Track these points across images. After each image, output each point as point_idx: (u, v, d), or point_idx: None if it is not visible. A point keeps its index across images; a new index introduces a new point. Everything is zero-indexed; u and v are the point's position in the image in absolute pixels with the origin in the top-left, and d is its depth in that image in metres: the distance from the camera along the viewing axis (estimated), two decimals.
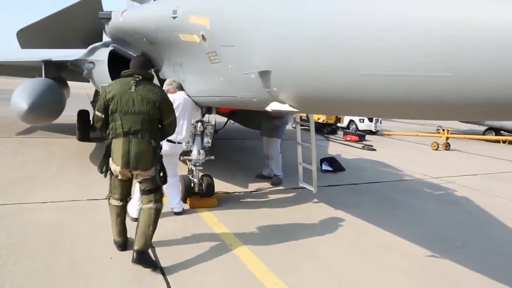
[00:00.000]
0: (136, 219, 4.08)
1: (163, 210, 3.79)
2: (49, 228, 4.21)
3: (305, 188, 6.09)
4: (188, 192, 5.36)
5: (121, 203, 3.74)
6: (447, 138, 12.54)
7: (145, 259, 3.46)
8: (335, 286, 3.51)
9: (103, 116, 3.49)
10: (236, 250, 4.08)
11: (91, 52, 6.59)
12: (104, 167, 3.60)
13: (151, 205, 3.61)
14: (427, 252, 4.39)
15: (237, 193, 6.06)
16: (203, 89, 4.19)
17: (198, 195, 5.39)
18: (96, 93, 9.68)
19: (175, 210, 4.88)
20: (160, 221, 3.76)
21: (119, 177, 3.57)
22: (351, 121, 15.67)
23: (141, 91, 3.38)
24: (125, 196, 3.75)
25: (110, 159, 3.50)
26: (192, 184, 5.46)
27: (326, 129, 14.20)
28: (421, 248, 4.47)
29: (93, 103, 9.96)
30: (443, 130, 12.65)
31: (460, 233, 5.10)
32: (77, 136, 9.34)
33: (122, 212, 3.79)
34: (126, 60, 5.75)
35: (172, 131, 3.69)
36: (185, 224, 4.60)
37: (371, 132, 14.85)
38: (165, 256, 3.77)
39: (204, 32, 3.41)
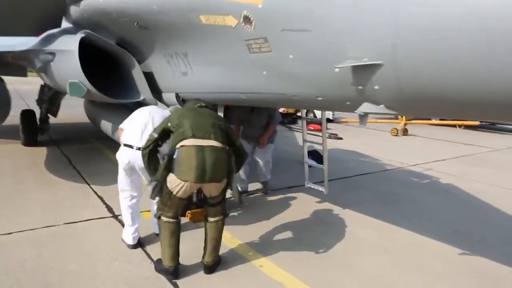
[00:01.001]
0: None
1: None
2: (29, 271, 3.35)
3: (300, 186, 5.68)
4: (188, 204, 4.64)
5: (175, 220, 3.35)
6: (405, 124, 12.83)
7: (215, 269, 3.50)
8: None
9: (157, 136, 3.32)
10: (263, 267, 3.67)
11: (48, 40, 5.44)
12: (161, 187, 3.21)
13: (220, 216, 3.49)
14: (452, 248, 4.30)
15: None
16: (226, 85, 3.49)
17: (195, 206, 4.70)
18: (42, 89, 8.33)
19: (128, 242, 3.95)
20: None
21: (181, 194, 3.20)
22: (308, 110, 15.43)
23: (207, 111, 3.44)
24: (180, 213, 3.41)
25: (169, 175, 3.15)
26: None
27: (287, 119, 13.86)
28: (444, 244, 4.39)
29: (40, 101, 8.57)
30: (401, 116, 12.95)
31: (471, 225, 5.03)
32: (22, 141, 8.01)
33: (177, 230, 3.39)
34: (98, 50, 4.80)
35: (244, 157, 3.64)
36: (194, 243, 3.93)
37: (329, 120, 14.77)
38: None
39: (251, 12, 2.66)
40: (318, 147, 6.37)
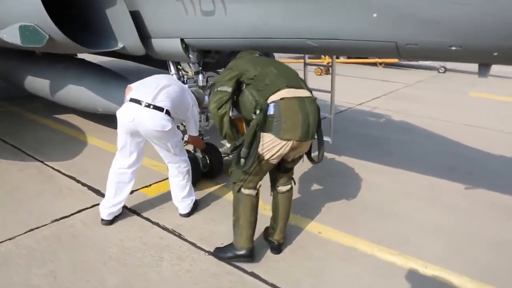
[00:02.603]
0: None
1: None
2: None
3: None
4: (197, 175, 3.95)
5: (257, 191, 2.86)
6: (328, 63, 13.00)
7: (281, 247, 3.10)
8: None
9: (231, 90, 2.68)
10: (322, 233, 3.40)
11: None
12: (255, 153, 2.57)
13: (290, 185, 3.05)
14: (459, 184, 4.49)
15: None
16: (290, 28, 2.83)
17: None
18: None
19: (102, 217, 3.36)
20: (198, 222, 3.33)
21: (276, 158, 2.65)
22: None
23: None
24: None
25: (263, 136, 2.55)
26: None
27: None
28: (452, 182, 4.55)
29: None
30: (324, 56, 13.04)
31: (452, 159, 5.32)
32: None
33: (257, 205, 2.88)
34: None
35: None
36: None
37: None
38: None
39: None
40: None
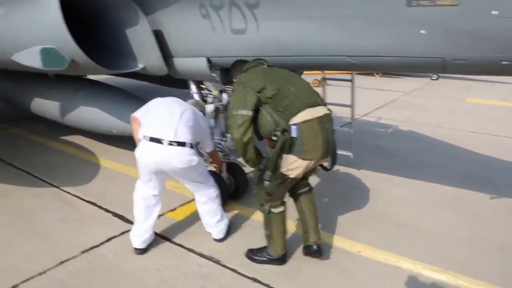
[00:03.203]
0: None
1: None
2: None
3: None
4: (224, 196, 3.85)
5: (285, 207, 3.00)
6: (325, 73, 13.03)
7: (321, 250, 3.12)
8: None
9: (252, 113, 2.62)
10: (362, 252, 3.30)
11: None
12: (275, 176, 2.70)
13: (308, 186, 3.20)
14: (477, 193, 4.44)
15: None
16: (326, 46, 2.78)
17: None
18: None
19: (135, 245, 3.22)
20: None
21: (298, 176, 2.75)
22: None
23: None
24: None
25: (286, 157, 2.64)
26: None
27: None
28: (469, 191, 4.51)
29: None
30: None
31: (468, 167, 5.30)
32: None
33: (286, 215, 3.04)
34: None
35: None
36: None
37: None
38: None
39: None
40: None
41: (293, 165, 2.66)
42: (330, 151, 2.75)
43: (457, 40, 2.31)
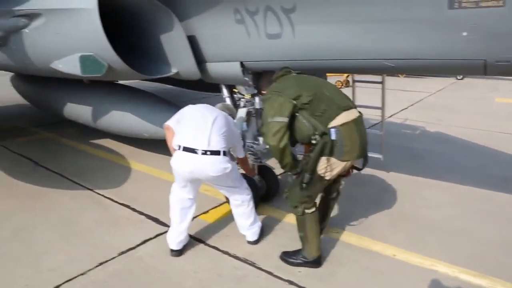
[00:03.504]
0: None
1: None
2: None
3: None
4: (257, 199, 3.88)
5: (316, 208, 3.06)
6: (347, 75, 12.95)
7: None
8: None
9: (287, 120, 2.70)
10: (397, 256, 3.26)
11: None
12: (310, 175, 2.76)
13: (337, 193, 3.36)
14: None
15: None
16: (363, 48, 2.78)
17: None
18: None
19: (171, 247, 3.28)
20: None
21: (333, 177, 2.86)
22: None
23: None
24: None
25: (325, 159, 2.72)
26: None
27: None
28: (506, 194, 4.40)
29: None
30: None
31: (503, 170, 5.17)
32: None
33: (318, 218, 3.10)
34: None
35: None
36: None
37: None
38: None
39: None
40: None
41: (332, 167, 2.75)
42: (364, 152, 2.89)
43: (500, 42, 2.27)
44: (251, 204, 3.36)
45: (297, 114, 2.75)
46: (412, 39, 2.53)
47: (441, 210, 4.07)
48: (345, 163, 2.78)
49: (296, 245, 3.25)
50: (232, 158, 3.31)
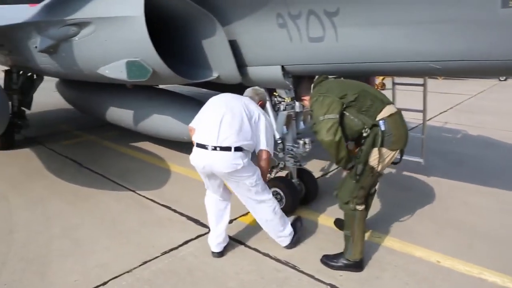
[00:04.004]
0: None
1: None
2: None
3: None
4: (296, 201, 3.89)
5: (365, 206, 3.09)
6: (383, 78, 12.75)
7: None
8: None
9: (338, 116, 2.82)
10: (441, 263, 3.17)
11: (65, 6, 3.93)
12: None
13: (374, 189, 3.35)
14: None
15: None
16: (409, 51, 2.73)
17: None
18: (10, 76, 6.45)
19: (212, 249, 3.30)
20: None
21: (384, 168, 2.96)
22: None
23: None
24: None
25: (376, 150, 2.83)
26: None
27: None
28: None
29: (8, 92, 6.65)
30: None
31: None
32: None
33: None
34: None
35: None
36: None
37: None
38: None
39: None
40: None
41: (383, 157, 2.86)
42: (406, 143, 2.99)
43: None
44: (278, 213, 3.22)
45: (344, 112, 2.86)
46: (462, 40, 2.46)
47: (487, 217, 3.93)
48: (394, 152, 2.90)
49: (335, 248, 3.26)
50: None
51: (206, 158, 2.96)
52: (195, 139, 3.08)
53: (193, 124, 3.25)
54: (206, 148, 2.95)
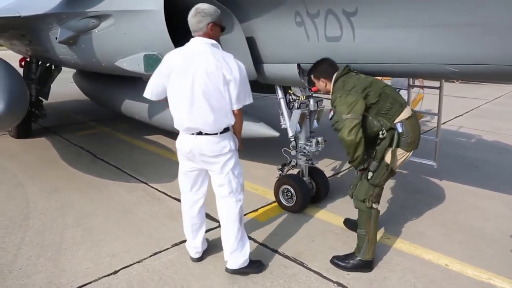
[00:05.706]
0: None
1: None
2: None
3: None
4: (307, 199, 3.91)
5: (378, 205, 3.14)
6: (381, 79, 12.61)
7: None
8: None
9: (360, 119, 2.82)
10: (449, 266, 3.15)
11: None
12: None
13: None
14: None
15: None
16: (449, 53, 2.64)
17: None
18: (29, 66, 6.58)
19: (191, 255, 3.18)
20: None
21: (397, 166, 3.04)
22: None
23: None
24: None
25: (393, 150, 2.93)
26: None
27: None
28: None
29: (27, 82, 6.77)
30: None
31: None
32: (13, 132, 6.38)
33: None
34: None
35: None
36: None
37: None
38: None
39: None
40: None
41: (398, 157, 2.96)
42: (418, 144, 3.06)
43: None
44: (238, 224, 2.93)
45: (364, 113, 2.87)
46: (479, 44, 2.44)
47: (498, 222, 3.90)
48: (409, 153, 3.00)
49: (344, 247, 3.29)
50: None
51: (192, 142, 2.75)
52: (176, 125, 2.88)
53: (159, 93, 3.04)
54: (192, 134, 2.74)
